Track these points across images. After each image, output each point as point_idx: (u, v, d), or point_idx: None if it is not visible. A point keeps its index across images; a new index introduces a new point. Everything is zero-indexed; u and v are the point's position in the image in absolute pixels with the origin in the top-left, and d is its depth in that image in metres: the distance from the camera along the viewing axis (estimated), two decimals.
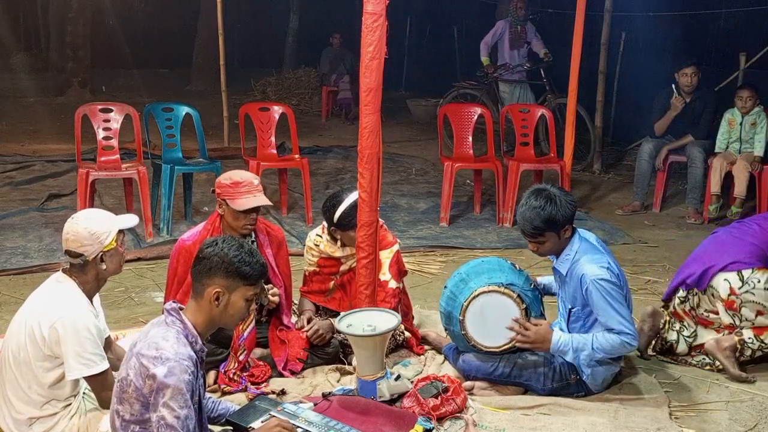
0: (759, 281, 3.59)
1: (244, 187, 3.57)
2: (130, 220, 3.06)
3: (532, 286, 3.56)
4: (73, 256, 2.88)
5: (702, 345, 3.82)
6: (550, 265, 3.65)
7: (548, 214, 3.34)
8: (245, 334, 3.55)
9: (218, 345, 3.62)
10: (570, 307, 3.49)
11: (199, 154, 6.40)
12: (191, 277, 2.60)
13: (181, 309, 2.54)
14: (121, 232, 2.97)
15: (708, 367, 3.78)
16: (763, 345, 3.66)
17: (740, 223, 3.99)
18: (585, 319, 3.44)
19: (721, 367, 3.73)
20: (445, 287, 3.64)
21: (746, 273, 3.62)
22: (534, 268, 5.15)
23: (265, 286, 3.62)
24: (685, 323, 3.85)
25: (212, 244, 2.56)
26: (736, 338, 3.68)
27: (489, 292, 3.43)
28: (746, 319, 3.65)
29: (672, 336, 3.87)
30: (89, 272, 2.90)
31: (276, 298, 3.67)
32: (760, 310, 3.62)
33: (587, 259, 3.37)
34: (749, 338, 3.65)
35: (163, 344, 2.39)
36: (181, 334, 2.46)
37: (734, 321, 3.68)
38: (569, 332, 3.54)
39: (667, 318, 3.91)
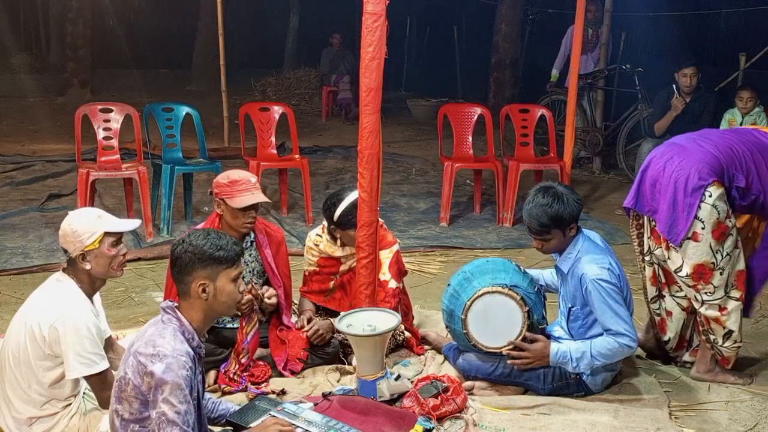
0: (710, 195, 3.41)
1: (242, 185, 3.57)
2: (124, 224, 3.01)
3: (535, 289, 3.56)
4: (63, 251, 2.91)
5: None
6: (552, 264, 3.65)
7: (555, 212, 3.35)
8: (249, 337, 3.54)
9: (218, 345, 3.63)
10: (570, 306, 3.49)
11: (199, 154, 6.40)
12: (173, 282, 2.59)
13: (177, 307, 2.54)
14: (110, 235, 2.91)
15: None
16: (732, 334, 3.56)
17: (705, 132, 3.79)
18: (584, 319, 3.44)
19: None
20: (449, 285, 3.64)
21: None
22: (534, 268, 5.14)
23: (260, 290, 3.62)
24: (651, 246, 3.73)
25: (180, 243, 2.57)
26: (708, 352, 3.65)
27: (492, 292, 3.43)
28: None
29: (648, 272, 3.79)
30: (79, 271, 2.90)
31: (273, 300, 3.66)
32: (696, 232, 3.45)
33: (588, 259, 3.37)
34: (713, 339, 3.60)
35: (159, 341, 2.40)
36: (177, 332, 2.47)
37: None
38: (568, 330, 3.54)
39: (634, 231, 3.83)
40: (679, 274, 3.55)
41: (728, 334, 3.57)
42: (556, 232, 3.40)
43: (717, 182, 3.43)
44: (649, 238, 3.70)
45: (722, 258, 3.47)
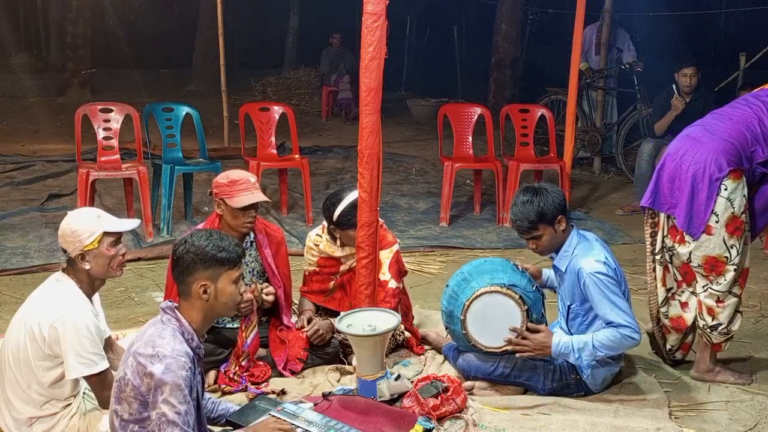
0: (726, 188, 3.45)
1: (242, 185, 3.57)
2: (123, 224, 3.01)
3: (534, 288, 3.56)
4: (63, 251, 2.91)
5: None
6: (551, 264, 3.65)
7: (537, 206, 3.38)
8: (249, 340, 3.54)
9: (218, 345, 3.63)
10: (569, 303, 3.49)
11: (199, 154, 6.40)
12: (174, 281, 2.60)
13: (176, 307, 2.54)
14: (109, 234, 2.91)
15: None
16: (719, 326, 3.59)
17: (717, 114, 3.77)
18: (584, 316, 3.45)
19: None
20: (447, 286, 3.64)
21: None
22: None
23: (260, 286, 3.62)
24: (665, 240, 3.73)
25: (182, 242, 2.57)
26: (707, 352, 3.65)
27: (491, 292, 3.43)
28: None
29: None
30: (79, 271, 2.90)
31: (271, 297, 3.66)
32: (710, 225, 3.47)
33: (584, 254, 3.40)
34: (703, 325, 3.62)
35: (159, 342, 2.40)
36: (177, 332, 2.47)
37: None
38: (569, 330, 3.55)
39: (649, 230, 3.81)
40: (691, 263, 3.58)
41: (716, 326, 3.60)
42: (545, 227, 3.41)
43: (734, 172, 3.45)
44: (666, 236, 3.70)
45: (737, 254, 3.50)
